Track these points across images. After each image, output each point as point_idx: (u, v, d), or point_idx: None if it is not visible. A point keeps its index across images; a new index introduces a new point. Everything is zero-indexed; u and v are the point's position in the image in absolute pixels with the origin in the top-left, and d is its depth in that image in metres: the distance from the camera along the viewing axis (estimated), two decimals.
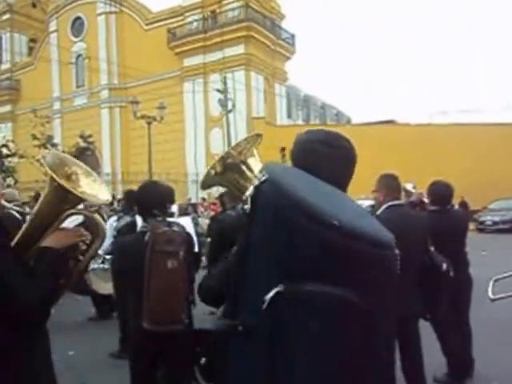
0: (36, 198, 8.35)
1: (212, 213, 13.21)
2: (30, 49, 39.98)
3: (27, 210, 6.89)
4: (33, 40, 39.96)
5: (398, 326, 3.21)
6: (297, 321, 0.90)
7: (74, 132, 30.57)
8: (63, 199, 1.63)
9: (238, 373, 1.01)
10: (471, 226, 18.18)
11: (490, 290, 3.32)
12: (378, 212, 3.42)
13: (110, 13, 33.48)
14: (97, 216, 1.79)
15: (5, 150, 24.65)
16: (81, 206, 2.10)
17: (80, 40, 35.05)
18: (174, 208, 12.20)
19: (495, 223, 20.22)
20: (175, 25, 31.09)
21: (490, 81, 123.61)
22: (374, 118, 29.41)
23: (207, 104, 29.40)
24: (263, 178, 1.02)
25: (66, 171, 1.69)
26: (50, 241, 1.63)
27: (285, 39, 31.96)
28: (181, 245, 2.73)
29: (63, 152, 27.11)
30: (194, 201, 19.81)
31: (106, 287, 5.39)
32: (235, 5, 28.89)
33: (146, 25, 32.45)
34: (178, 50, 30.69)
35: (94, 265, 5.75)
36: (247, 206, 1.03)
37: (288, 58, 32.83)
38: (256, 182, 1.03)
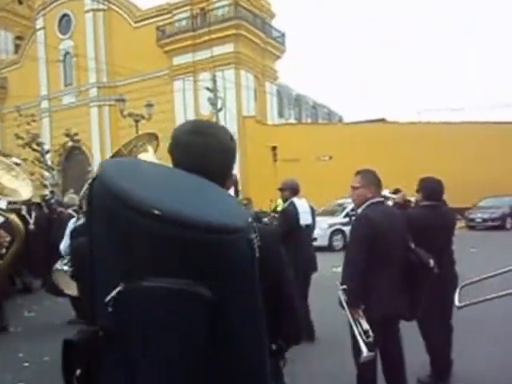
0: None
1: None
2: (17, 46, 39.36)
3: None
4: (19, 37, 39.32)
5: (380, 326, 3.14)
6: (140, 319, 0.88)
7: (63, 131, 30.19)
8: None
9: (109, 381, 0.97)
10: (461, 223, 18.50)
11: (456, 297, 3.29)
12: (359, 210, 3.37)
13: (98, 10, 33.07)
14: (14, 216, 1.65)
15: None
16: (2, 206, 1.96)
17: (67, 38, 34.54)
18: None
19: (485, 220, 20.57)
20: (164, 23, 30.77)
21: (479, 80, 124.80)
22: (365, 116, 29.44)
23: (197, 103, 29.18)
24: (94, 175, 0.98)
25: None
26: None
27: (275, 38, 31.78)
28: None
29: (48, 152, 26.87)
30: None
31: (71, 287, 5.28)
32: (224, 2, 28.69)
33: (135, 22, 32.11)
34: (167, 49, 30.42)
35: (59, 265, 5.68)
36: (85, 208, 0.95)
37: (278, 57, 32.66)
38: (89, 180, 0.99)
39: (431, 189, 4.17)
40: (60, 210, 8.79)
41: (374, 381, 3.33)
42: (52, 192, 14.90)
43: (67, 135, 29.21)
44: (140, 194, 0.88)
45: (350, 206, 14.45)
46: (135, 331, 0.90)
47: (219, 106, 24.62)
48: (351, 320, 3.11)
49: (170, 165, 1.29)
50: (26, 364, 4.97)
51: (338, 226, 15.30)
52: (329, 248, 14.51)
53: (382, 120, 28.96)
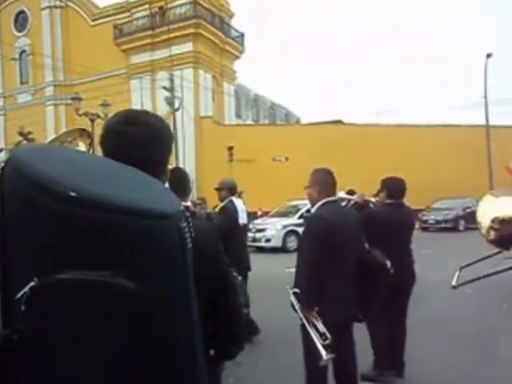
0: None
1: None
2: None
3: None
4: None
5: (333, 328, 2.97)
6: (57, 317, 0.78)
7: (17, 130, 29.44)
8: None
9: None
10: (415, 224, 18.66)
11: (455, 278, 3.19)
12: (313, 209, 3.26)
13: (55, 7, 32.55)
14: None
15: None
16: None
17: (24, 35, 33.84)
18: None
19: (438, 222, 20.84)
20: (122, 21, 30.41)
21: (436, 82, 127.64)
22: (323, 118, 29.59)
23: (154, 102, 28.77)
24: (4, 162, 0.88)
25: None
26: None
27: (234, 38, 31.74)
28: None
29: (1, 150, 26.23)
30: None
31: None
32: (183, 1, 28.45)
33: (92, 20, 31.68)
34: (124, 47, 30.04)
35: None
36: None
37: (237, 57, 32.59)
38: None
39: (394, 187, 4.20)
40: None
41: (325, 381, 3.21)
42: None
43: (21, 134, 28.45)
44: (54, 176, 0.79)
45: (305, 208, 14.54)
46: (53, 333, 0.79)
47: (176, 106, 24.34)
48: (306, 323, 3.02)
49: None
50: None
51: (292, 227, 15.32)
52: (283, 249, 14.76)
53: (339, 122, 29.20)
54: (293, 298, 3.17)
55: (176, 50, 28.27)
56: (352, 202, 4.28)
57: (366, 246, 3.32)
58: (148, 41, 29.26)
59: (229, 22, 32.11)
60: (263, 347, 5.02)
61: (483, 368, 4.26)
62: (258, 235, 15.21)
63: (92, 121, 22.10)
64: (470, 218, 20.51)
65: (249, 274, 5.51)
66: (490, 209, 1.99)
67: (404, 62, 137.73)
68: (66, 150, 1.12)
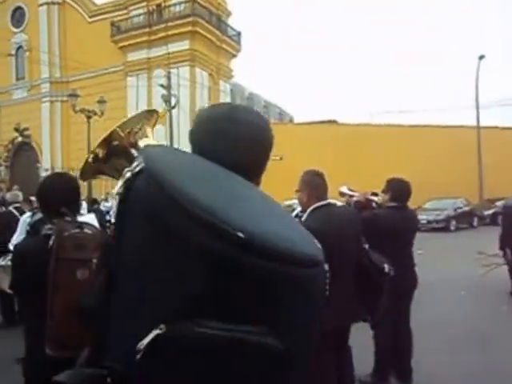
0: None
1: None
2: None
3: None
4: None
5: (332, 338, 2.84)
6: (178, 375, 0.67)
7: (13, 126, 29.39)
8: None
9: None
10: None
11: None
12: (304, 217, 3.08)
13: (53, 3, 32.50)
14: None
15: None
16: None
17: (21, 31, 33.73)
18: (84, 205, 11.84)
19: (429, 222, 20.77)
20: (119, 18, 30.44)
21: (429, 83, 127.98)
22: (317, 117, 29.71)
23: (150, 100, 28.82)
24: (137, 169, 0.74)
25: None
26: None
27: (231, 36, 31.81)
28: (94, 251, 2.14)
29: None
30: None
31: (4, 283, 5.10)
32: None
33: (90, 17, 31.68)
34: (121, 44, 30.07)
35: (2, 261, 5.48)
36: (114, 210, 0.75)
37: (233, 56, 32.67)
38: (128, 175, 0.74)
39: (399, 190, 4.05)
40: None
41: None
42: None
43: (16, 130, 28.46)
44: (216, 209, 0.66)
45: (300, 208, 14.41)
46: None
47: (173, 104, 24.37)
48: None
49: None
50: None
51: None
52: None
53: (333, 121, 29.35)
54: None
55: (173, 47, 28.20)
56: (354, 199, 4.19)
57: (366, 246, 3.16)
58: (145, 38, 29.30)
59: (226, 20, 32.21)
60: None
61: (485, 372, 4.24)
62: None
63: (88, 118, 22.16)
64: (461, 218, 20.81)
65: None
66: None
67: (398, 62, 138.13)
68: (194, 159, 0.92)
